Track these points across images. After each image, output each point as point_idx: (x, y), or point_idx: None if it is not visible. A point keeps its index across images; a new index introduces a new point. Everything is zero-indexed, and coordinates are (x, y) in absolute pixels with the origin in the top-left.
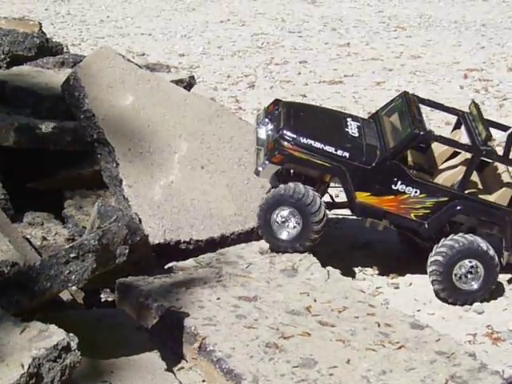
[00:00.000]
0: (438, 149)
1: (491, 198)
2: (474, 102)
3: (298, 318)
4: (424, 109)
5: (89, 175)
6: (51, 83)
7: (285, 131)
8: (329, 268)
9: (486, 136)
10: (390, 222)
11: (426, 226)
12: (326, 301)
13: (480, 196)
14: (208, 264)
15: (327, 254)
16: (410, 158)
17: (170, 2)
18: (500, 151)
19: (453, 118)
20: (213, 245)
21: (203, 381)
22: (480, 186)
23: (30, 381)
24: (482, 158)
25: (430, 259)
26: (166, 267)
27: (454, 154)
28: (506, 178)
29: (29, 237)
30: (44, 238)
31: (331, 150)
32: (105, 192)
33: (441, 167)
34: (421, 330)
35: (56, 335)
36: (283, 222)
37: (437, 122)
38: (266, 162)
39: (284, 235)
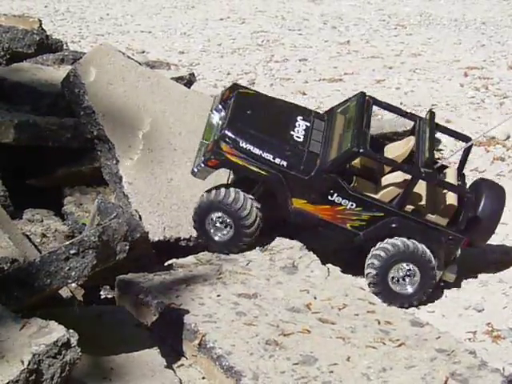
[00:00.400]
0: (389, 151)
1: (432, 216)
2: (430, 110)
3: (298, 315)
4: (425, 107)
5: (89, 172)
6: (51, 80)
7: (226, 132)
8: (329, 265)
9: (427, 158)
10: (325, 229)
11: (362, 237)
12: (326, 298)
13: (420, 212)
14: (208, 261)
15: (327, 252)
16: (357, 160)
17: None
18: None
19: (455, 118)
20: None
21: (203, 378)
22: (423, 202)
23: (29, 377)
24: None
25: (367, 261)
26: (165, 264)
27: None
28: (449, 196)
29: (28, 234)
30: (44, 235)
31: (269, 157)
32: (105, 189)
33: (386, 178)
34: (421, 327)
35: (56, 331)
36: (216, 226)
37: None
38: (202, 165)
39: (217, 237)
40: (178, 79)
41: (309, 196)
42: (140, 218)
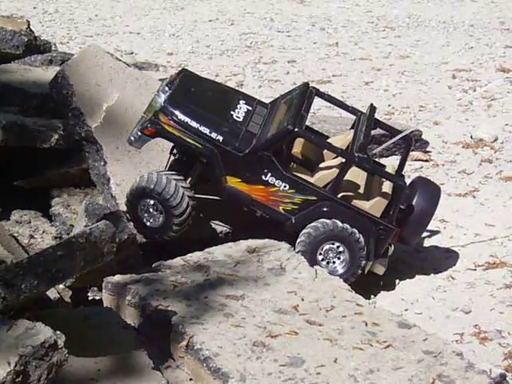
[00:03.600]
0: (333, 142)
1: (367, 204)
2: (371, 104)
3: (286, 317)
4: (413, 109)
5: (76, 173)
6: (39, 81)
7: (166, 104)
8: (316, 267)
9: (361, 143)
10: (258, 210)
11: (293, 220)
12: (314, 300)
13: (356, 200)
14: (196, 263)
15: None
16: (297, 149)
17: (158, 0)
18: (486, 151)
19: (443, 120)
20: (200, 243)
21: (190, 379)
22: (359, 190)
23: (16, 378)
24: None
25: (298, 240)
26: (153, 266)
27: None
28: (385, 187)
29: (16, 235)
30: (31, 236)
31: (206, 131)
32: (92, 190)
33: (322, 164)
34: (408, 329)
35: (43, 333)
36: (148, 212)
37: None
38: (138, 133)
39: (149, 224)
40: None
41: (243, 174)
42: (128, 219)
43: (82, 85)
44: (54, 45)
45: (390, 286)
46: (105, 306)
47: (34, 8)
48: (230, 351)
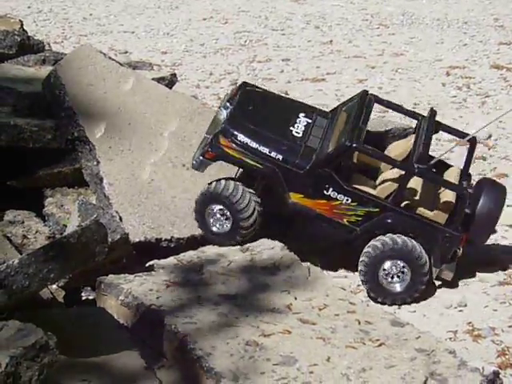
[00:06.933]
0: (391, 150)
1: (431, 212)
2: (432, 108)
3: (279, 316)
4: (407, 106)
5: (69, 173)
6: (32, 81)
7: (226, 126)
8: (310, 266)
9: (421, 153)
10: (323, 223)
11: (358, 232)
12: (307, 298)
13: (420, 208)
14: (189, 262)
15: (308, 252)
16: (357, 157)
17: None
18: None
19: (437, 117)
20: (194, 243)
21: (183, 379)
22: (421, 199)
23: (7, 380)
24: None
25: (360, 259)
26: (146, 265)
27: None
28: (448, 194)
29: (9, 235)
30: (25, 237)
31: (265, 151)
32: (86, 190)
33: (384, 174)
34: (401, 327)
35: (34, 334)
36: (215, 217)
37: None
38: (200, 157)
39: (215, 229)
40: (160, 80)
41: (305, 190)
42: (121, 219)
43: (74, 84)
44: (48, 44)
45: None
46: (98, 305)
47: (29, 7)
48: (223, 351)
